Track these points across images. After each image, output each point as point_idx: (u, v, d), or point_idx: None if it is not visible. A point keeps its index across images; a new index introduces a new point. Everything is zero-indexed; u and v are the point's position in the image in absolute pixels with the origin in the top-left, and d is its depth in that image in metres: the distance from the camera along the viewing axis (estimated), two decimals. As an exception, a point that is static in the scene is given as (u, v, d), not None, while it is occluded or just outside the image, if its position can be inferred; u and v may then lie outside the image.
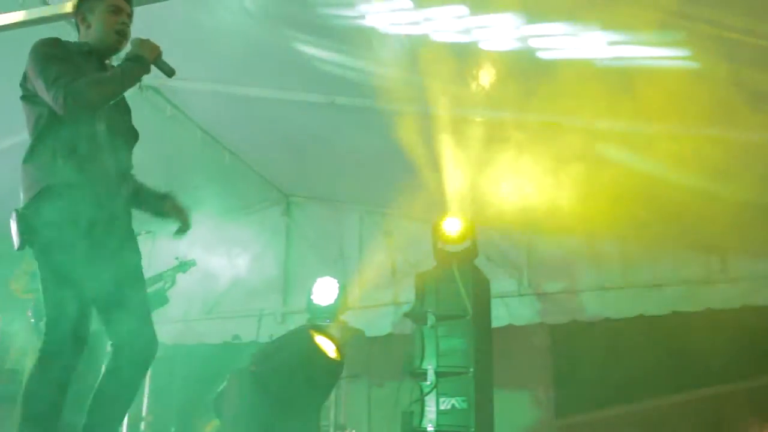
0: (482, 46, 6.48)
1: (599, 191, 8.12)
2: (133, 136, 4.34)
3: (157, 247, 7.88)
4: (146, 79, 7.69)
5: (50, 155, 3.73)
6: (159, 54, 4.13)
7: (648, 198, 7.89)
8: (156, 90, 8.19)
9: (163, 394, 8.75)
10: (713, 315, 8.95)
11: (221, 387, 6.33)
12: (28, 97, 3.87)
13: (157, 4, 5.06)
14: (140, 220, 6.58)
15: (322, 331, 2.97)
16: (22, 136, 4.08)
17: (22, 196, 3.78)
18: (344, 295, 8.63)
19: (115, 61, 4.25)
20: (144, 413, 8.54)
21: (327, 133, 8.35)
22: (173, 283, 6.22)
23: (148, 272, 6.24)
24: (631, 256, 9.02)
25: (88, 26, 4.12)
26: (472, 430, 6.72)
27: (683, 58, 5.88)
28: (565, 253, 9.29)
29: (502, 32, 6.25)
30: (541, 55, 6.35)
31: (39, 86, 3.71)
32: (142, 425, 8.45)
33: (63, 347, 3.77)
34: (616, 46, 5.90)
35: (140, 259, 4.20)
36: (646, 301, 8.93)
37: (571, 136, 7.02)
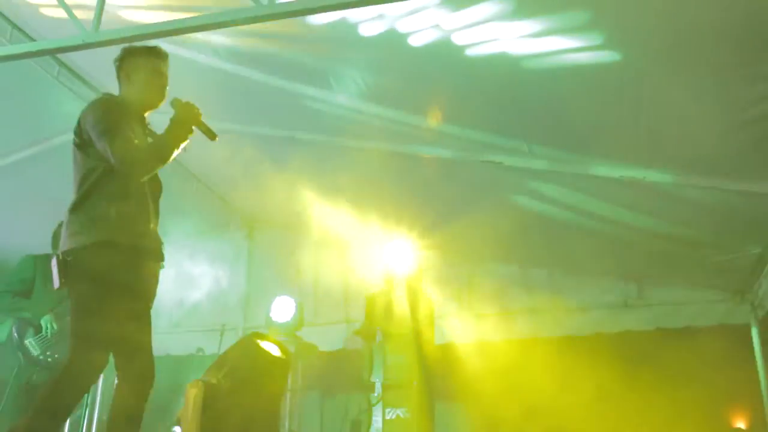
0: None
1: (531, 226, 8.29)
2: (160, 187, 4.32)
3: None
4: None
5: (104, 208, 3.75)
6: (200, 116, 4.14)
7: (574, 232, 8.09)
8: (132, 122, 8.19)
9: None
10: (631, 336, 9.18)
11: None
12: (82, 146, 3.86)
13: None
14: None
15: (265, 337, 3.01)
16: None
17: (67, 240, 3.78)
18: (300, 312, 8.68)
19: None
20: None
21: (287, 165, 8.40)
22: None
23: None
24: (558, 283, 9.21)
25: (132, 82, 4.14)
26: (415, 437, 6.77)
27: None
28: (501, 280, 9.45)
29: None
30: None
31: (100, 143, 3.72)
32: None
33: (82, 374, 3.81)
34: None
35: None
36: (572, 323, 9.10)
37: (507, 174, 7.16)
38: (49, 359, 5.74)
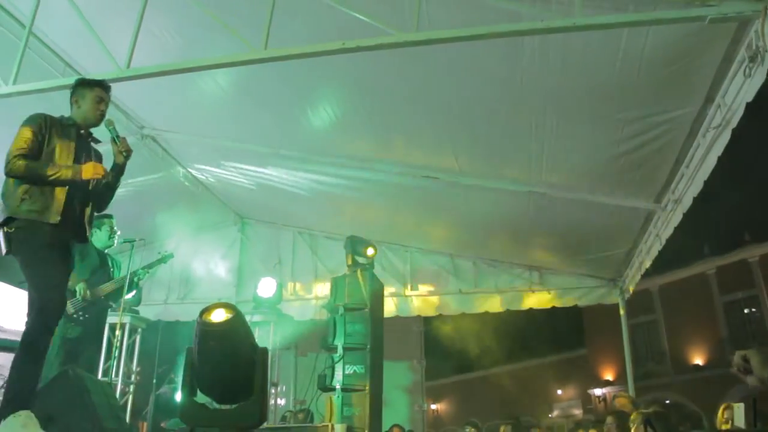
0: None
1: (460, 224, 8.33)
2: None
3: (147, 250, 7.80)
4: (146, 129, 7.66)
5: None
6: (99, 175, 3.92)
7: (495, 229, 8.15)
8: (153, 139, 8.07)
9: (148, 355, 8.59)
10: (533, 312, 9.26)
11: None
12: None
13: (159, 78, 5.01)
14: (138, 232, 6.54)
15: (223, 306, 2.93)
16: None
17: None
18: (280, 290, 8.61)
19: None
20: (134, 368, 8.36)
21: (275, 176, 8.34)
22: (154, 273, 6.14)
23: (141, 265, 6.19)
24: (480, 270, 9.24)
25: (78, 106, 4.07)
26: (368, 387, 6.76)
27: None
28: (436, 266, 9.47)
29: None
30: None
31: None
32: (133, 377, 8.27)
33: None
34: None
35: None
36: (490, 302, 9.16)
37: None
38: (81, 318, 5.71)
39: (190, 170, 8.94)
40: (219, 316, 3.18)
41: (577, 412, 26.41)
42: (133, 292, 6.34)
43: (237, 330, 3.22)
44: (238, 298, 10.11)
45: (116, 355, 7.44)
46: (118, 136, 4.13)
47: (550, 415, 27.02)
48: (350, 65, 5.34)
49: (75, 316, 5.66)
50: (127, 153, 4.12)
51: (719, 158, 4.91)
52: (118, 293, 6.05)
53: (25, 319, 3.62)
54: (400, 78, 5.65)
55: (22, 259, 3.68)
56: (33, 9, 5.27)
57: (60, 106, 4.35)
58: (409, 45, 4.26)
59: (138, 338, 8.43)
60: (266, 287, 8.69)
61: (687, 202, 5.87)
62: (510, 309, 9.17)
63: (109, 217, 6.06)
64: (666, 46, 4.42)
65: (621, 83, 4.85)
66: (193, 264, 10.39)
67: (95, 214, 4.19)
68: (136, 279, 6.21)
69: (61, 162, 3.81)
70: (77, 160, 3.90)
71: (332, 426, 5.19)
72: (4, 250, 3.72)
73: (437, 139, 6.51)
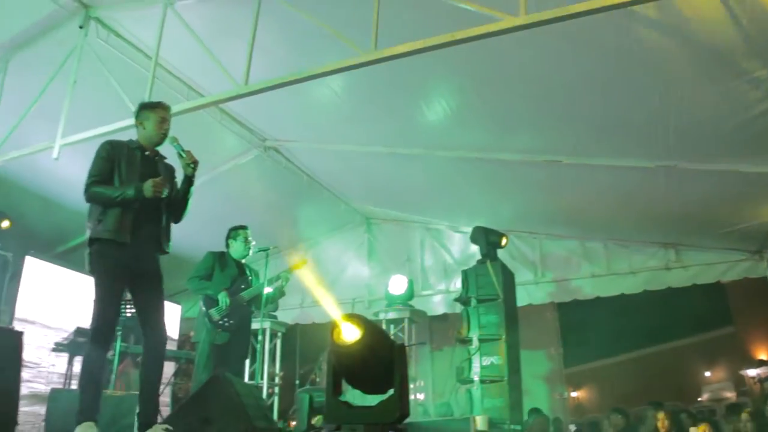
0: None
1: (587, 206, 8.08)
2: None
3: (281, 257, 8.07)
4: (268, 141, 7.93)
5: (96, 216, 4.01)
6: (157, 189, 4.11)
7: (623, 211, 7.86)
8: (276, 150, 8.34)
9: (289, 357, 8.89)
10: (672, 291, 8.84)
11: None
12: None
13: (275, 90, 5.16)
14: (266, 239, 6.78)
15: (350, 318, 2.91)
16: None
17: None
18: (411, 286, 8.67)
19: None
20: (277, 370, 8.72)
21: (396, 174, 8.39)
22: (287, 280, 6.35)
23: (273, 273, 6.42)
24: (612, 252, 8.93)
25: (144, 127, 4.27)
26: (506, 378, 6.70)
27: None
28: (566, 251, 9.24)
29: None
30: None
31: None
32: (277, 379, 8.64)
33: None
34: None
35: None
36: (625, 283, 8.83)
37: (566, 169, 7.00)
38: (226, 324, 5.97)
39: (313, 177, 9.16)
40: (350, 334, 3.20)
41: (730, 394, 24.97)
42: (277, 296, 6.57)
43: (370, 343, 3.23)
44: (370, 297, 10.29)
45: (260, 359, 7.78)
46: (183, 150, 4.30)
47: (699, 399, 25.73)
48: (460, 56, 5.26)
49: (221, 323, 5.94)
50: (194, 164, 4.30)
51: None
52: (258, 299, 6.30)
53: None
54: (512, 62, 5.52)
55: (95, 278, 3.97)
56: (157, 40, 5.56)
57: (186, 128, 4.58)
58: (520, 29, 4.15)
59: (278, 342, 8.76)
60: (397, 284, 8.77)
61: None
62: (647, 290, 8.78)
63: (244, 228, 6.32)
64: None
65: (750, 40, 4.52)
66: (324, 267, 10.66)
67: (177, 222, 4.41)
68: (283, 282, 6.45)
69: (128, 183, 4.07)
70: (143, 180, 4.10)
71: (474, 418, 5.16)
72: (87, 269, 4.02)
73: (556, 120, 6.32)
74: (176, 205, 4.33)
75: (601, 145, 6.59)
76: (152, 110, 4.27)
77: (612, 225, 8.65)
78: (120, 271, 3.95)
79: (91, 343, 3.87)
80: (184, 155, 4.27)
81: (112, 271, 3.94)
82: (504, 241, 7.57)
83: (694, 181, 6.64)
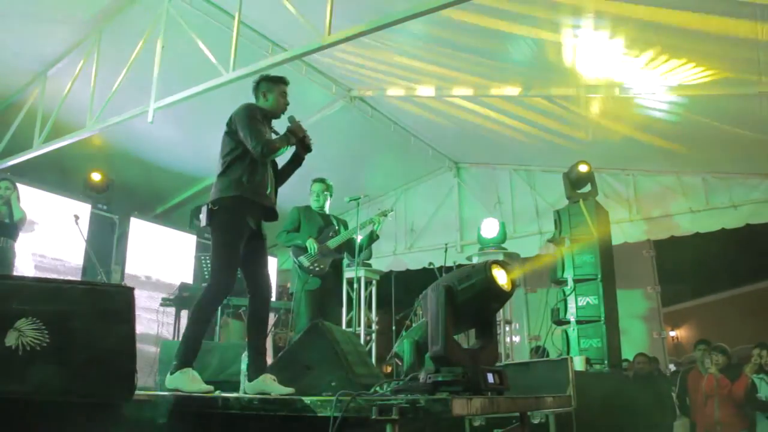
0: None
1: (682, 139, 7.76)
2: (276, 165, 4.40)
3: (372, 205, 8.13)
4: (353, 91, 7.96)
5: (239, 175, 4.00)
6: (304, 135, 4.28)
7: (721, 142, 7.48)
8: (362, 99, 8.35)
9: (385, 302, 9.02)
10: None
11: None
12: (230, 133, 4.09)
13: (358, 39, 5.14)
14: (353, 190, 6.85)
15: (500, 265, 2.92)
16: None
17: (214, 194, 4.04)
18: (503, 229, 8.59)
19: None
20: (374, 317, 8.90)
21: (483, 116, 8.27)
22: (380, 223, 6.45)
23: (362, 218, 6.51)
24: (711, 186, 8.54)
25: (266, 99, 4.27)
26: (603, 318, 6.60)
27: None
28: (661, 187, 8.91)
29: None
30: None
31: (243, 133, 3.98)
32: (374, 326, 8.86)
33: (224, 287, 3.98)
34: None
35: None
36: (725, 218, 8.44)
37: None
38: (316, 268, 6.13)
39: (400, 124, 9.13)
40: (504, 280, 3.28)
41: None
42: (373, 239, 6.66)
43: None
44: (462, 242, 10.29)
45: (356, 306, 7.95)
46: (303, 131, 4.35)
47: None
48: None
49: (311, 268, 6.11)
50: (310, 145, 4.35)
51: None
52: (351, 247, 6.47)
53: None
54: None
55: (221, 237, 3.98)
56: (239, -1, 5.63)
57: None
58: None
59: (373, 290, 8.89)
60: (489, 228, 8.70)
61: None
62: (750, 223, 8.35)
63: (317, 180, 6.40)
64: None
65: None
66: (415, 213, 10.71)
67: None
68: (376, 225, 6.56)
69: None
70: None
71: (571, 359, 5.10)
72: (211, 227, 4.02)
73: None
74: (284, 172, 4.42)
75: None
76: (275, 84, 4.30)
77: (709, 157, 8.25)
78: (247, 230, 4.04)
79: (212, 300, 3.96)
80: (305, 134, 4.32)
81: (243, 231, 4.01)
82: (584, 167, 7.36)
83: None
